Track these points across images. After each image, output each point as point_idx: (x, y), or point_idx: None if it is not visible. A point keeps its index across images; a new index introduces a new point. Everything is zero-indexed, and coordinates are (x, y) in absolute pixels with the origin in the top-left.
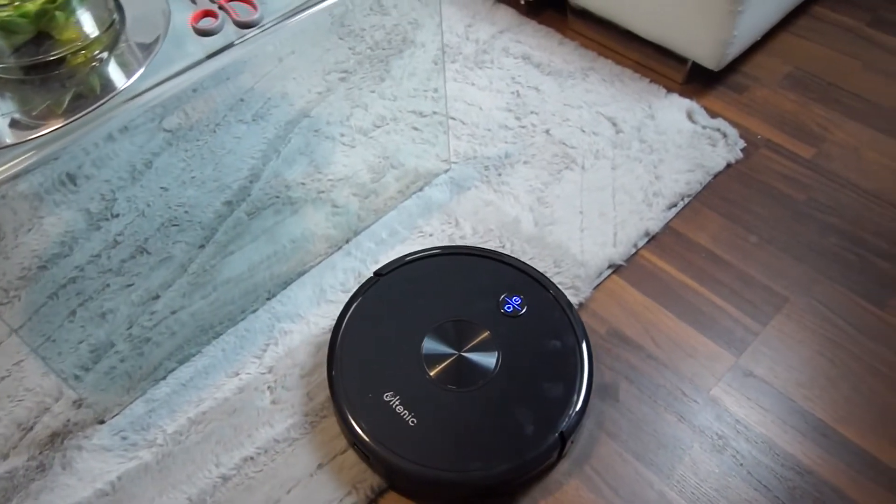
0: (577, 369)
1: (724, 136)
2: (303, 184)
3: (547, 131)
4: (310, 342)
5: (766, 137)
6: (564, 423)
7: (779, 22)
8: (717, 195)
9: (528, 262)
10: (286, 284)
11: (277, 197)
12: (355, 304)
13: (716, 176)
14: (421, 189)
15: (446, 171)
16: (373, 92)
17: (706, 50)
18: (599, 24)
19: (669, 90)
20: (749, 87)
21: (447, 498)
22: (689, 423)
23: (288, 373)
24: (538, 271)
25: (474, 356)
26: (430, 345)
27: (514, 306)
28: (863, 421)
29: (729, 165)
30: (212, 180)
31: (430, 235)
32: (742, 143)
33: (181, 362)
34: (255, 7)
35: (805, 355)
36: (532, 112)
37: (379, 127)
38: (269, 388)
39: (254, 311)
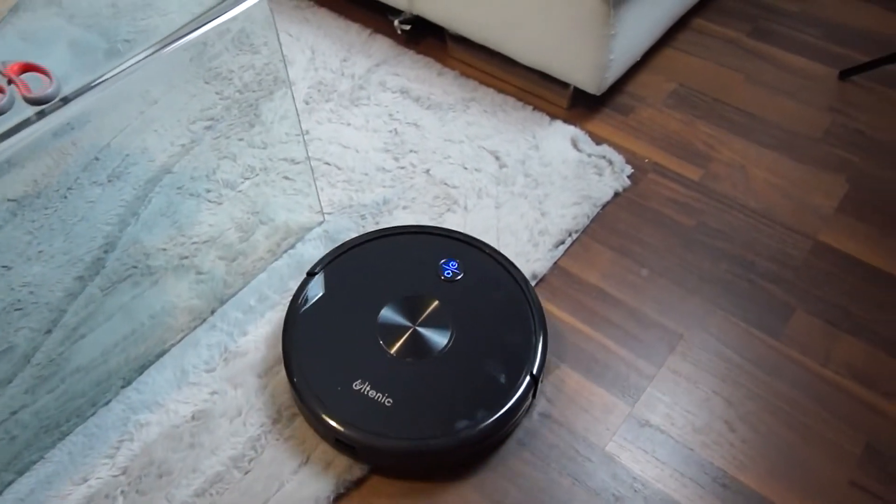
0: (529, 312)
1: (611, 163)
2: (164, 249)
3: (427, 171)
4: (169, 434)
5: (654, 161)
6: (533, 365)
7: (660, 38)
8: (605, 227)
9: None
10: (143, 368)
11: (135, 267)
12: (300, 306)
13: (604, 207)
14: (293, 246)
15: (320, 223)
16: (241, 140)
17: (585, 75)
18: (480, 51)
19: (554, 117)
20: (634, 108)
21: (441, 464)
22: (584, 485)
23: (143, 473)
24: (468, 235)
25: (429, 327)
26: (383, 326)
27: (452, 270)
28: (762, 466)
29: (617, 194)
30: (62, 253)
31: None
32: (629, 170)
33: (20, 473)
34: (50, 78)
35: (701, 397)
36: (411, 151)
37: (248, 179)
38: (122, 492)
39: (106, 404)
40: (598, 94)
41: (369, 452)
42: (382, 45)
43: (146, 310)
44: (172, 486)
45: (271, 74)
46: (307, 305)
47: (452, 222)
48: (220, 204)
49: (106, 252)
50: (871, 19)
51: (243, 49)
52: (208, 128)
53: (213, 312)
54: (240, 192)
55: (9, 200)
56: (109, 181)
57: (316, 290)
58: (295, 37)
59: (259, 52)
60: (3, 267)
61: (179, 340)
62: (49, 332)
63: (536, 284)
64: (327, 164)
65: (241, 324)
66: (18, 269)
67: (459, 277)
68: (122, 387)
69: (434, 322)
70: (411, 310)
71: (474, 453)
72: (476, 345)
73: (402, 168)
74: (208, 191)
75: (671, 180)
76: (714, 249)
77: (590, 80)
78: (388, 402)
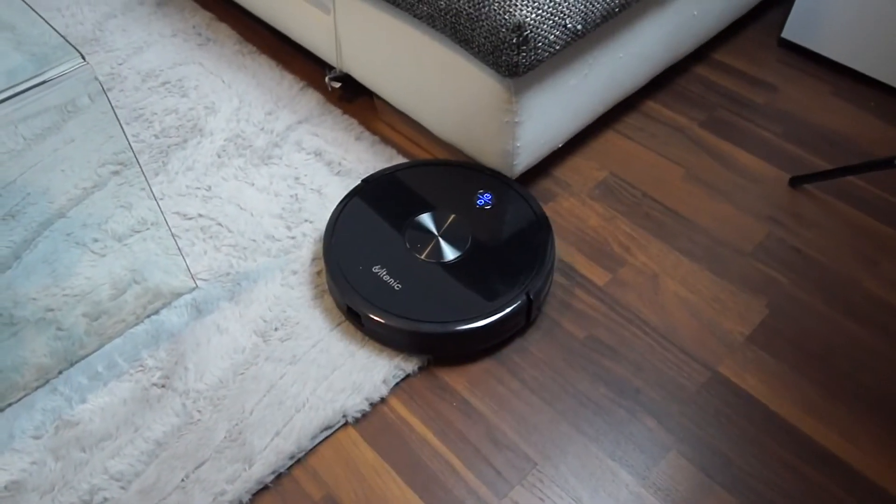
0: (541, 248)
1: None
2: (34, 299)
3: (316, 241)
4: None
5: (562, 258)
6: (531, 286)
7: (603, 119)
8: None
9: None
10: None
11: (0, 315)
12: (349, 200)
13: None
14: (157, 312)
15: (192, 290)
16: (142, 189)
17: (494, 159)
18: (407, 117)
19: None
20: (556, 196)
21: (429, 348)
22: None
23: None
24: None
25: (449, 239)
26: (412, 230)
27: (486, 201)
28: None
29: None
30: None
31: (152, 370)
32: None
33: None
34: None
35: None
36: (306, 220)
37: (137, 232)
38: None
39: None
40: (514, 178)
41: (371, 324)
42: (311, 100)
43: (4, 359)
44: None
45: (192, 121)
46: (355, 201)
47: (327, 306)
48: (103, 256)
49: None
50: (842, 120)
51: (172, 91)
52: (115, 172)
53: (60, 373)
54: (125, 245)
55: None
56: (3, 219)
57: (367, 192)
58: (227, 83)
59: (187, 96)
60: None
61: (19, 400)
62: None
63: (398, 384)
64: (220, 224)
65: (83, 390)
66: None
67: (488, 207)
68: None
69: (455, 236)
70: (440, 222)
71: (459, 346)
72: (484, 262)
73: (293, 238)
74: (95, 240)
75: (574, 283)
76: (599, 368)
77: (500, 164)
78: (398, 286)
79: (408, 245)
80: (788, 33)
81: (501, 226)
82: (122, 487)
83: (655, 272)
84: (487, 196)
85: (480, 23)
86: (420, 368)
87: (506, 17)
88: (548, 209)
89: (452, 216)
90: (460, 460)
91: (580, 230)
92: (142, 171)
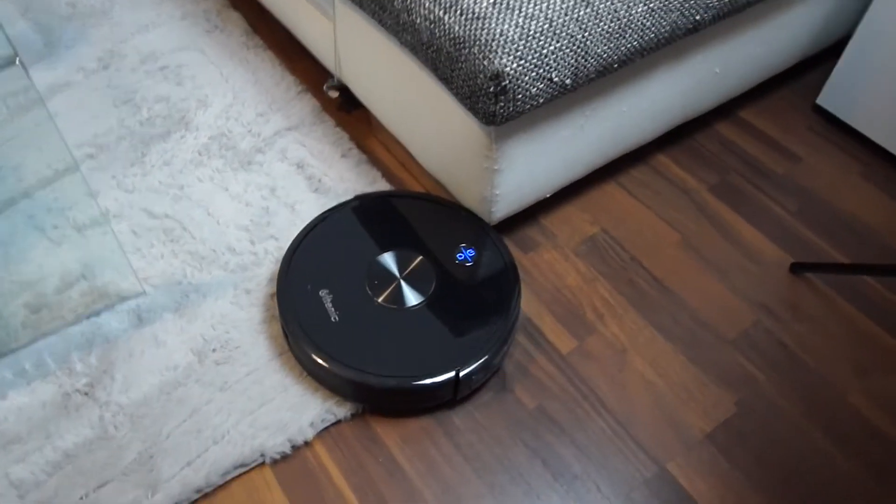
0: (503, 314)
1: None
2: None
3: (278, 261)
4: None
5: (530, 317)
6: (464, 367)
7: (606, 169)
8: None
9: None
10: None
11: None
12: (326, 215)
13: None
14: (98, 314)
15: (138, 294)
16: (113, 178)
17: (473, 203)
18: None
19: None
20: (538, 246)
21: (342, 390)
22: None
23: None
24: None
25: (411, 283)
26: (376, 264)
27: (466, 257)
28: None
29: None
30: None
31: (79, 375)
32: None
33: None
34: None
35: None
36: (272, 237)
37: (99, 225)
38: None
39: None
40: (492, 224)
41: (296, 348)
42: (306, 106)
43: None
44: None
45: (181, 113)
46: (327, 223)
47: (274, 331)
48: (59, 245)
49: None
50: (867, 206)
51: (169, 78)
52: (91, 156)
53: None
54: (84, 236)
55: None
56: None
57: (342, 214)
58: (225, 77)
59: (182, 85)
60: None
61: None
62: None
63: (325, 429)
64: (184, 228)
65: (5, 386)
66: None
67: (468, 265)
68: None
69: (419, 280)
70: (406, 264)
71: (371, 401)
72: (438, 316)
73: (254, 254)
74: (55, 227)
75: (537, 346)
76: (541, 444)
77: (478, 208)
78: (336, 318)
79: (364, 278)
80: (824, 100)
81: (469, 278)
82: (20, 496)
83: (625, 346)
84: (470, 252)
85: (459, 65)
86: (353, 415)
87: (485, 62)
88: (526, 259)
89: (419, 258)
90: None
91: (556, 288)
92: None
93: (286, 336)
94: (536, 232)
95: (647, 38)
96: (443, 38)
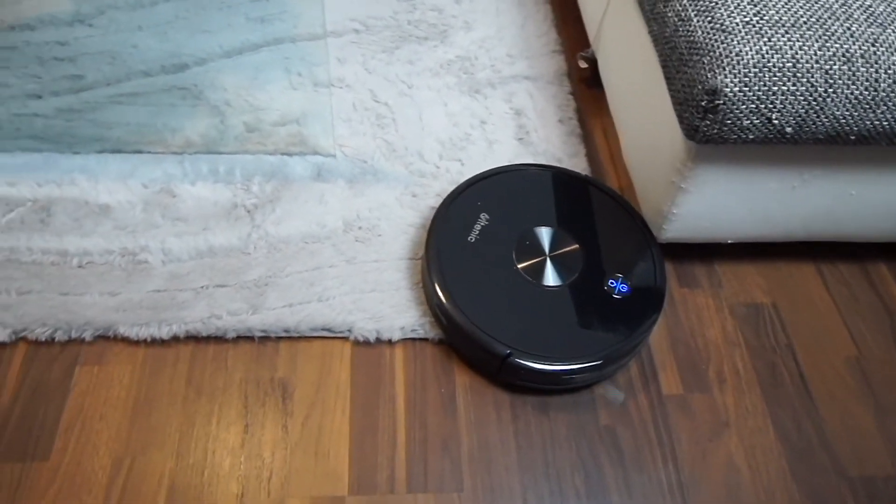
0: (614, 349)
1: None
2: (225, 90)
3: (453, 182)
4: None
5: (650, 345)
6: (564, 363)
7: (812, 245)
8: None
9: None
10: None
11: (186, 89)
12: (495, 176)
13: None
14: (291, 155)
15: (329, 155)
16: (363, 55)
17: (649, 211)
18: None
19: None
20: (698, 287)
21: (441, 318)
22: None
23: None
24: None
25: (557, 265)
26: (528, 236)
27: (620, 291)
28: None
29: None
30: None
31: (251, 194)
32: None
33: None
34: None
35: None
36: (458, 160)
37: (328, 87)
38: None
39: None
40: (658, 241)
41: (426, 257)
42: (553, 65)
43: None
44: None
45: (446, 27)
46: (520, 172)
47: (417, 237)
48: (294, 90)
49: (182, 70)
50: None
51: None
52: (356, 31)
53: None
54: (316, 91)
55: None
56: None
57: (535, 172)
58: (497, 11)
59: (459, 4)
60: None
61: (155, 154)
62: None
63: (419, 339)
64: (394, 120)
65: (198, 176)
66: None
67: (619, 273)
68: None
69: (563, 266)
70: (558, 245)
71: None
72: (558, 306)
73: (437, 167)
74: (299, 75)
75: (640, 373)
76: (591, 459)
77: (652, 220)
78: (473, 239)
79: (517, 244)
80: None
81: (623, 309)
82: (163, 262)
83: (729, 421)
84: (624, 286)
85: (685, 69)
86: (440, 341)
87: (708, 74)
88: (679, 293)
89: (575, 247)
90: (406, 439)
91: (692, 333)
92: None
93: (426, 248)
94: (704, 273)
95: None
96: (682, 38)
